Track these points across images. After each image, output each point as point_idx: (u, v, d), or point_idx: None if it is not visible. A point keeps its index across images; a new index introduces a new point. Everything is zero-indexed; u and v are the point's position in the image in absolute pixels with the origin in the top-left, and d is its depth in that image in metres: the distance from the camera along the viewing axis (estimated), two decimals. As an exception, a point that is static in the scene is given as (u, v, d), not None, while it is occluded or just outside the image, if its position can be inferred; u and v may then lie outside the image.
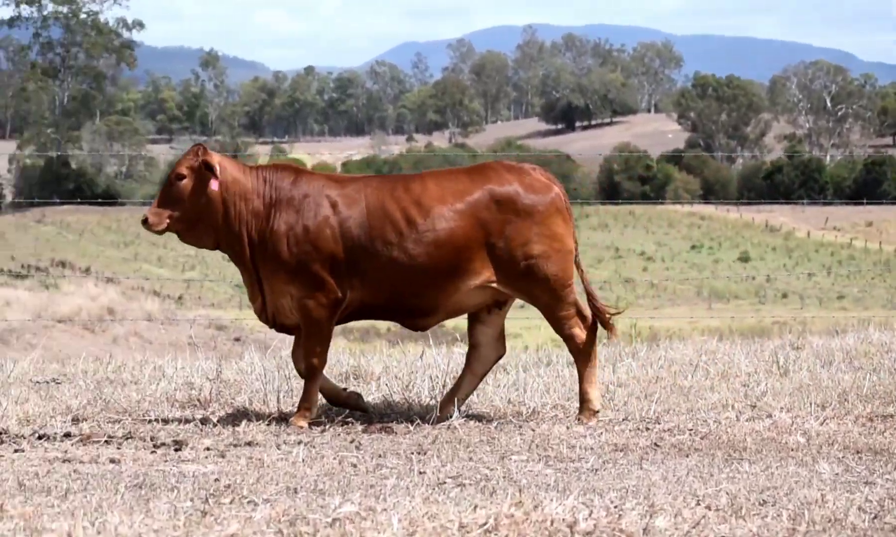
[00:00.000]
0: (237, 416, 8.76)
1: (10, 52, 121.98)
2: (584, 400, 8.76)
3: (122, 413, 8.91)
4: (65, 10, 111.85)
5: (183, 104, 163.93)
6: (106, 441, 8.02)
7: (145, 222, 8.61)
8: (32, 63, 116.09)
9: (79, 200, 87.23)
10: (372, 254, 8.44)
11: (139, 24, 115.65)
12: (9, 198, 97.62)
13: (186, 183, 8.59)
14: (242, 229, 8.56)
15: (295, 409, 8.74)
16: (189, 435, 8.21)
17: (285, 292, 8.51)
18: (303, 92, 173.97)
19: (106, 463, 7.38)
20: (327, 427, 8.49)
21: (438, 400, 9.09)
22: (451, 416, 8.66)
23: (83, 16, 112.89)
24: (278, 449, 7.79)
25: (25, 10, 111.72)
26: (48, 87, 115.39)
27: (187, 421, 8.66)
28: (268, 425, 8.48)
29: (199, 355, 11.29)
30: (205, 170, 8.57)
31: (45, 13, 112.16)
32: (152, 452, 7.71)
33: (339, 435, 8.30)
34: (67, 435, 8.17)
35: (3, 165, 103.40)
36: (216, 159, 8.62)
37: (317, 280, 8.44)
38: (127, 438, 8.09)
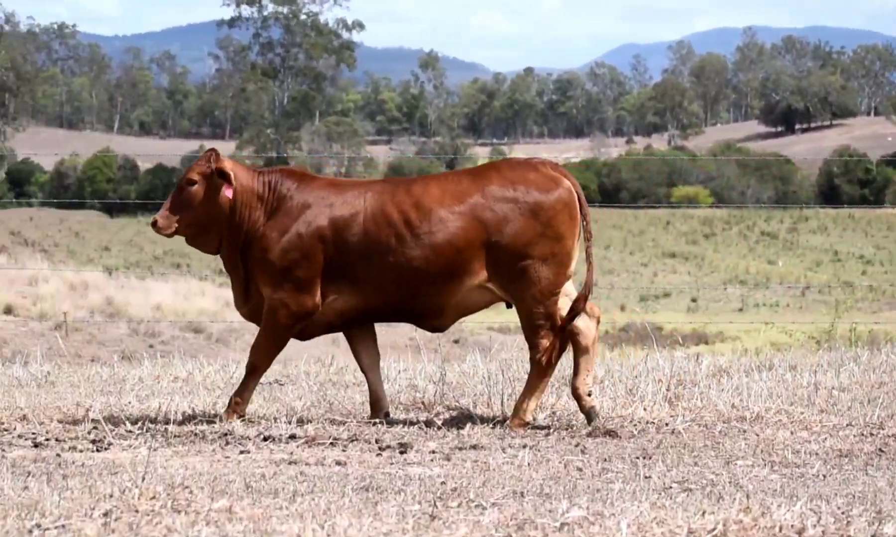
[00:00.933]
0: (461, 419, 8.78)
1: (230, 53, 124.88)
2: (519, 408, 8.56)
3: (346, 415, 8.99)
4: (285, 10, 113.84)
5: (402, 105, 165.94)
6: (331, 443, 8.10)
7: (154, 225, 8.71)
8: (252, 64, 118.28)
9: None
10: (371, 259, 8.44)
11: (359, 25, 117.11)
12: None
13: (198, 189, 8.68)
14: (242, 233, 8.64)
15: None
16: (414, 437, 8.25)
17: (265, 293, 8.58)
18: (522, 93, 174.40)
19: (332, 465, 7.44)
20: (551, 431, 8.47)
21: (661, 402, 9.05)
22: (590, 394, 8.58)
23: (303, 17, 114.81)
24: (503, 452, 7.78)
25: (246, 11, 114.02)
26: (268, 87, 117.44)
27: (412, 423, 8.70)
28: (492, 428, 8.48)
29: (422, 358, 11.35)
30: (217, 178, 8.66)
31: (265, 14, 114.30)
32: (378, 455, 7.77)
33: (563, 438, 8.25)
34: (293, 436, 8.26)
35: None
36: (229, 166, 8.71)
37: (298, 288, 8.50)
38: (352, 440, 8.16)
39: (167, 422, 8.66)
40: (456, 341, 32.76)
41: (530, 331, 8.47)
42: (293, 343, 8.81)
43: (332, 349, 18.72)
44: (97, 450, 7.81)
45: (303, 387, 10.17)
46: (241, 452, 7.83)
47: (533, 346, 8.48)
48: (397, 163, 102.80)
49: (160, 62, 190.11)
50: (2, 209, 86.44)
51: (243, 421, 8.62)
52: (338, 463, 7.48)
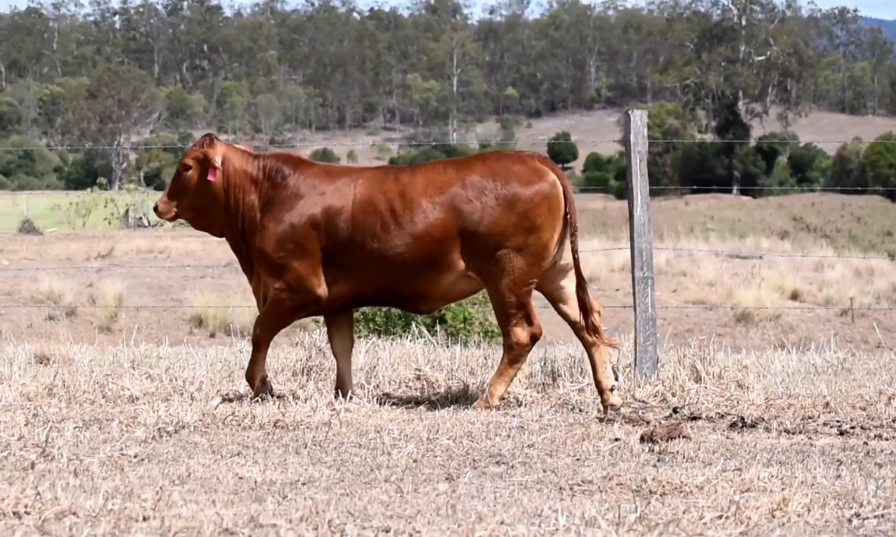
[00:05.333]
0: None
1: None
2: (490, 392, 8.68)
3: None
4: None
5: None
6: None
7: (155, 209, 9.07)
8: None
9: None
10: (359, 246, 8.61)
11: None
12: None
13: (192, 173, 8.93)
14: (239, 218, 8.82)
15: None
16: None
17: (267, 279, 8.74)
18: None
19: None
20: None
21: None
22: (613, 389, 8.70)
23: None
24: None
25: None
26: None
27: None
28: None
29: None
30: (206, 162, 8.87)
31: None
32: None
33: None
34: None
35: None
36: (220, 150, 8.87)
37: (297, 275, 8.65)
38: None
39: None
40: None
41: (503, 319, 8.66)
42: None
43: None
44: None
45: None
46: None
47: (506, 333, 8.66)
48: None
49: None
50: (784, 195, 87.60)
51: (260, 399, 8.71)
52: None
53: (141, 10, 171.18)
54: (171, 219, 9.21)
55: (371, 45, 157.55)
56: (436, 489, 6.10)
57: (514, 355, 8.70)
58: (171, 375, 9.76)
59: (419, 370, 9.61)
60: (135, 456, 6.83)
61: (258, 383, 8.87)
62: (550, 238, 8.62)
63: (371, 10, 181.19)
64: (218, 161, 8.88)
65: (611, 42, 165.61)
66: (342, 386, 8.96)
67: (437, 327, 15.79)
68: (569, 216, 8.68)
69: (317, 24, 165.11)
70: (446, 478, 6.39)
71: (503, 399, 8.81)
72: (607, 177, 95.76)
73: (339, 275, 8.72)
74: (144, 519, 5.37)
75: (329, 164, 9.22)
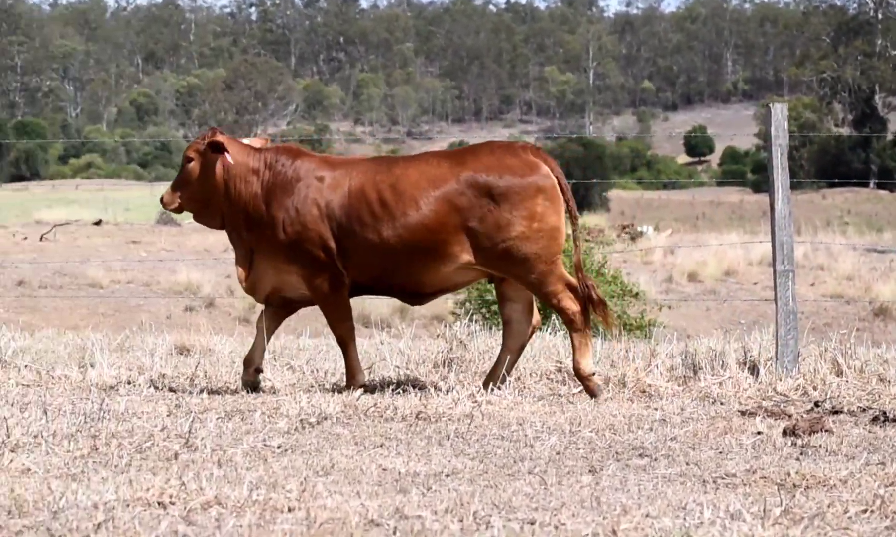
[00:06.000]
0: None
1: None
2: (576, 368, 8.77)
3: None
4: None
5: None
6: None
7: (162, 201, 9.21)
8: None
9: None
10: (354, 236, 8.70)
11: None
12: None
13: (194, 165, 9.06)
14: (241, 209, 8.93)
15: None
16: None
17: (290, 271, 8.83)
18: None
19: None
20: None
21: None
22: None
23: None
24: None
25: None
26: None
27: None
28: None
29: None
30: (211, 153, 8.95)
31: None
32: None
33: None
34: None
35: None
36: (221, 140, 8.94)
37: (314, 258, 8.75)
38: None
39: None
40: None
41: (547, 301, 8.76)
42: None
43: None
44: None
45: None
46: None
47: (558, 311, 8.76)
48: None
49: None
50: None
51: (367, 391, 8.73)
52: None
53: (277, 1, 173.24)
54: (176, 211, 9.29)
55: (507, 38, 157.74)
56: (579, 481, 6.08)
57: (576, 326, 8.75)
58: (312, 366, 9.86)
59: (560, 362, 9.60)
60: (278, 447, 6.88)
61: (358, 381, 8.92)
62: (558, 222, 8.69)
63: (507, 2, 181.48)
64: (226, 151, 8.98)
65: (747, 35, 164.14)
66: (248, 363, 9.08)
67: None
68: (569, 205, 8.75)
69: (453, 16, 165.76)
70: (590, 471, 6.37)
71: (594, 373, 8.86)
72: (744, 170, 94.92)
73: (343, 262, 8.80)
74: (289, 509, 5.40)
75: (328, 155, 9.32)
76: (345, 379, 9.05)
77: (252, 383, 9.05)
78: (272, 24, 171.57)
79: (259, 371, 9.10)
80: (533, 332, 9.06)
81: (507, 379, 8.92)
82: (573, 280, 8.75)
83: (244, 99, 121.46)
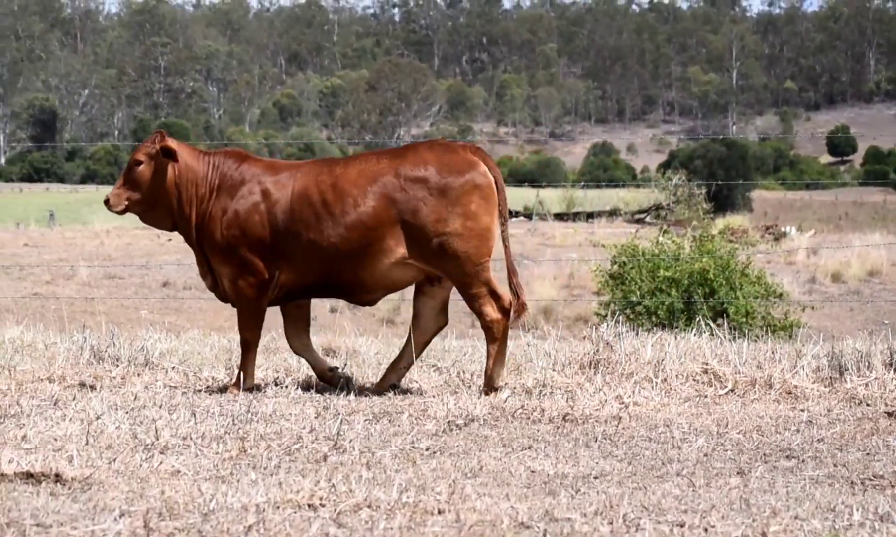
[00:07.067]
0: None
1: None
2: (488, 376, 8.84)
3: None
4: None
5: None
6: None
7: (106, 202, 9.18)
8: None
9: None
10: (297, 237, 8.82)
11: None
12: None
13: (144, 168, 9.16)
14: (191, 212, 9.07)
15: None
16: None
17: (221, 272, 8.99)
18: None
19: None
20: None
21: None
22: (393, 387, 9.07)
23: None
24: None
25: None
26: None
27: None
28: None
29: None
30: (162, 157, 9.07)
31: None
32: None
33: None
34: None
35: None
36: (173, 145, 9.07)
37: (246, 262, 8.88)
38: None
39: None
40: None
41: (469, 302, 8.86)
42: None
43: None
44: None
45: None
46: None
47: (477, 314, 8.86)
48: None
49: None
50: None
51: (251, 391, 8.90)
52: None
53: (420, 2, 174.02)
54: (121, 213, 9.29)
55: (650, 38, 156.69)
56: (728, 483, 6.09)
57: (492, 335, 8.83)
58: (458, 368, 9.94)
59: (706, 364, 9.56)
60: (426, 450, 6.95)
61: (247, 385, 9.03)
62: (490, 222, 8.79)
63: (650, 2, 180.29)
64: (178, 155, 9.11)
65: (889, 34, 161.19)
66: (322, 376, 9.26)
67: (722, 320, 15.65)
68: (500, 207, 8.81)
69: (596, 16, 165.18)
70: (738, 473, 6.37)
71: (504, 383, 8.95)
72: (887, 170, 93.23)
73: (282, 265, 8.92)
74: (439, 512, 5.45)
75: (275, 160, 9.47)
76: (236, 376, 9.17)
77: (330, 380, 9.27)
78: (415, 24, 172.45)
79: (333, 369, 9.36)
80: (437, 332, 9.25)
81: (403, 373, 9.20)
82: (500, 289, 8.85)
83: (387, 100, 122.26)
